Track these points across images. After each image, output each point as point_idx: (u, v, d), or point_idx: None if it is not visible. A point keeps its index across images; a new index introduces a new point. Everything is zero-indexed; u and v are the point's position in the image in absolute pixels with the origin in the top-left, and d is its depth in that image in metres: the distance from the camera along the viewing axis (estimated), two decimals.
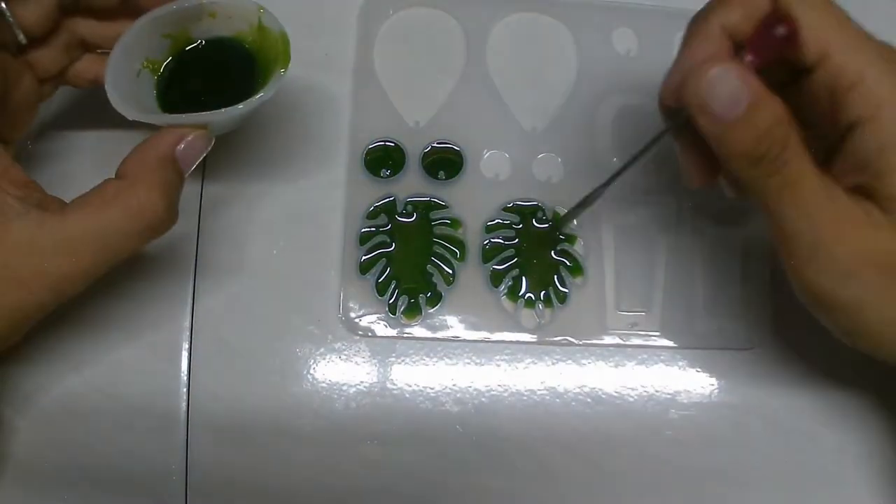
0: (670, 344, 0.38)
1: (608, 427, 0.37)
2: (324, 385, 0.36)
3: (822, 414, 0.37)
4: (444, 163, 0.39)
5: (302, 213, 0.38)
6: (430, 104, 0.40)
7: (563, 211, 0.38)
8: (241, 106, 0.30)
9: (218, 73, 0.33)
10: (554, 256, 0.38)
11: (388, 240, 0.38)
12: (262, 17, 0.32)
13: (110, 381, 0.35)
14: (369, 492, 0.35)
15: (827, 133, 0.29)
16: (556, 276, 0.38)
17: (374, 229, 0.38)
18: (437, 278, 0.38)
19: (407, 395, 0.36)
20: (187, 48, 0.34)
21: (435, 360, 0.37)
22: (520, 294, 0.38)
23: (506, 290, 0.38)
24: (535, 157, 0.40)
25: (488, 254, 0.38)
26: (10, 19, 0.29)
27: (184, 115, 0.30)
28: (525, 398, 0.37)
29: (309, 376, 0.36)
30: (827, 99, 0.28)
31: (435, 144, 0.39)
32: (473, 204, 0.39)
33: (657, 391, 0.37)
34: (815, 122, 0.29)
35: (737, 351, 0.38)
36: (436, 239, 0.38)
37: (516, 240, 0.38)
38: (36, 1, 0.30)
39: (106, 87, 0.30)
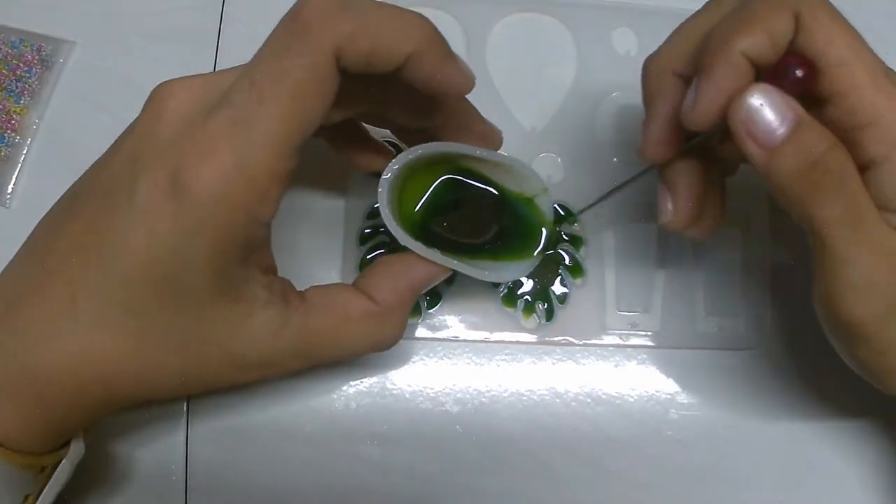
0: (670, 344, 0.38)
1: (608, 427, 0.37)
2: (324, 385, 0.36)
3: (820, 414, 0.37)
4: None
5: (302, 212, 0.38)
6: None
7: (568, 209, 0.38)
8: (486, 272, 0.31)
9: (469, 209, 0.33)
10: (556, 253, 0.38)
11: (388, 240, 0.38)
12: (538, 198, 0.33)
13: None
14: (369, 492, 0.35)
15: None
16: (555, 277, 0.38)
17: (374, 229, 0.38)
18: None
19: (407, 395, 0.36)
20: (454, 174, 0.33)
21: (435, 360, 0.37)
22: (519, 294, 0.38)
23: (505, 291, 0.38)
24: (535, 157, 0.40)
25: None
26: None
27: (454, 261, 0.30)
28: (525, 398, 0.37)
29: (309, 376, 0.36)
30: (840, 133, 0.26)
31: None
32: None
33: (657, 391, 0.37)
34: None
35: (737, 351, 0.38)
36: None
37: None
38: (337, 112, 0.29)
39: (381, 206, 0.29)
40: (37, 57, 0.39)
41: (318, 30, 0.24)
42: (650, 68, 0.30)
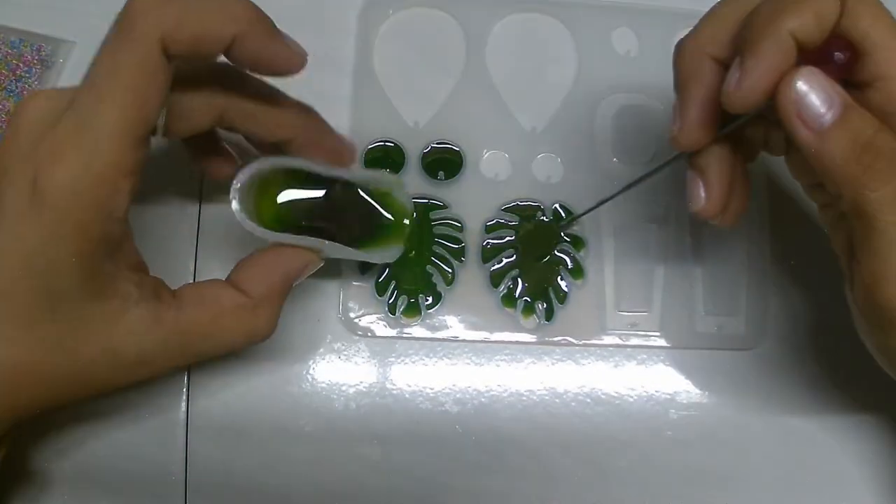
0: (670, 344, 0.38)
1: (608, 427, 0.37)
2: (323, 385, 0.36)
3: (821, 414, 0.38)
4: (444, 163, 0.39)
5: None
6: (430, 104, 0.40)
7: (568, 209, 0.38)
8: (357, 252, 0.32)
9: (337, 204, 0.33)
10: (556, 254, 0.38)
11: None
12: (394, 192, 0.34)
13: None
14: (369, 492, 0.35)
15: None
16: (556, 277, 0.38)
17: None
18: (436, 278, 0.38)
19: (407, 396, 0.36)
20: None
21: (435, 360, 0.37)
22: (519, 294, 0.38)
23: (505, 291, 0.38)
24: (534, 157, 0.40)
25: (488, 254, 0.38)
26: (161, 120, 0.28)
27: (326, 242, 0.31)
28: (525, 398, 0.37)
29: (309, 376, 0.36)
30: (880, 118, 0.26)
31: (434, 144, 0.39)
32: (473, 204, 0.39)
33: (657, 391, 0.37)
34: None
35: (736, 351, 0.38)
36: (436, 239, 0.38)
37: (515, 239, 0.38)
38: (192, 118, 0.29)
39: (237, 213, 0.30)
40: (37, 57, 0.39)
41: (143, 22, 0.25)
42: (685, 49, 0.29)
